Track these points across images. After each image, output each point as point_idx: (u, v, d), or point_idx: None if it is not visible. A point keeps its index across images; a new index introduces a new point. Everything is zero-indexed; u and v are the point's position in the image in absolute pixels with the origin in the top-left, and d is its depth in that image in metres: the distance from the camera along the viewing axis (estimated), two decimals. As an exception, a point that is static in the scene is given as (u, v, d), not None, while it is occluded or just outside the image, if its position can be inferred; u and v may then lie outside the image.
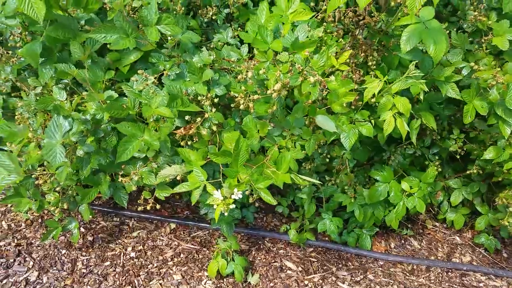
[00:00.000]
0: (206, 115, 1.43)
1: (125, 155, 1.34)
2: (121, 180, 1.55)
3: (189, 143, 1.48)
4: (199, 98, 1.44)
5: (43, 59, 1.64)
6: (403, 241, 2.63)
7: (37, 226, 2.29)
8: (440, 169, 2.20)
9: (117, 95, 1.48)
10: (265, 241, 2.41)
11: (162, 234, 2.36)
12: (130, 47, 1.40)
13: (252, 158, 1.56)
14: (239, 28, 1.95)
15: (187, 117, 1.41)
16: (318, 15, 1.87)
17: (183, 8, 1.76)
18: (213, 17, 1.89)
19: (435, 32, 1.47)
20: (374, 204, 2.20)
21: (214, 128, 1.45)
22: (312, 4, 1.87)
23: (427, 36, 1.46)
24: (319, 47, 1.55)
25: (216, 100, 1.44)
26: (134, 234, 2.32)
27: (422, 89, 1.52)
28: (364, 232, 2.42)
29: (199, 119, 1.41)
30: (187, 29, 1.81)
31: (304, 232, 2.32)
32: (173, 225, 2.42)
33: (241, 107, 1.34)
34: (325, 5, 1.90)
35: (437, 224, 2.79)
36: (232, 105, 1.55)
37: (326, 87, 1.08)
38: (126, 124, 1.36)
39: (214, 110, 1.44)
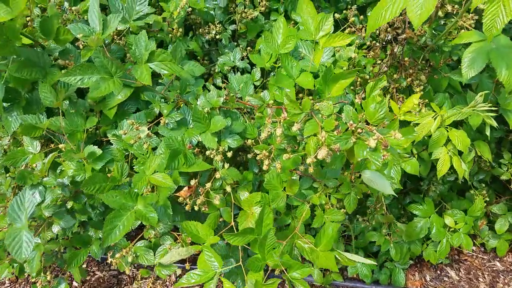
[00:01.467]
0: (217, 175, 1.10)
1: (113, 235, 1.01)
2: (110, 261, 1.22)
3: (196, 206, 1.15)
4: (207, 152, 1.11)
5: (7, 104, 1.31)
6: (438, 272, 2.33)
7: (22, 283, 1.98)
8: (487, 198, 1.89)
9: (101, 151, 1.15)
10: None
11: (167, 283, 2.05)
12: (115, 91, 1.07)
13: (276, 219, 1.24)
14: (248, 48, 1.61)
15: (192, 182, 1.09)
16: (344, 29, 1.53)
17: (180, 30, 1.41)
18: (217, 36, 1.55)
19: (506, 52, 1.14)
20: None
21: (228, 188, 1.13)
22: (337, 16, 1.53)
23: (497, 58, 1.13)
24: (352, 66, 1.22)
25: (229, 154, 1.12)
26: (135, 286, 2.01)
27: (489, 124, 1.19)
28: (397, 266, 2.11)
29: (208, 184, 1.08)
30: (186, 53, 1.47)
31: (331, 273, 2.01)
32: (179, 271, 2.11)
33: (264, 167, 1.01)
34: (351, 15, 1.56)
35: (473, 248, 2.49)
36: (247, 150, 1.23)
37: (388, 146, 0.77)
38: (114, 193, 1.04)
39: (227, 166, 1.12)
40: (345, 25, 1.51)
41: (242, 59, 1.58)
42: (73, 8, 1.33)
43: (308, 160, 0.81)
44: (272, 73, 1.52)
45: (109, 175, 1.10)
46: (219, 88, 1.49)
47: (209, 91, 1.26)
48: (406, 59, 1.34)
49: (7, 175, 1.37)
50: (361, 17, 1.59)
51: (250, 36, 1.64)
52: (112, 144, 1.28)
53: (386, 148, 0.80)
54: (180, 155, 1.06)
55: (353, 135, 0.80)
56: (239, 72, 1.58)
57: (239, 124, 1.13)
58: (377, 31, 1.46)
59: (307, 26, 1.21)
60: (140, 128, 1.05)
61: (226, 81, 1.63)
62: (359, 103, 0.91)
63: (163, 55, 1.02)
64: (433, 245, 1.95)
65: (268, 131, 0.95)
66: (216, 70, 1.62)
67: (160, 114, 1.23)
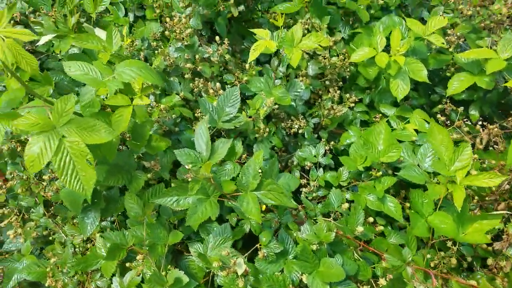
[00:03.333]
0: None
1: None
2: None
3: None
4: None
5: (85, 204, 1.23)
6: None
7: None
8: None
9: (187, 279, 1.02)
10: None
11: None
12: (212, 215, 0.96)
13: None
14: (331, 143, 1.49)
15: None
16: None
17: (267, 129, 1.32)
18: (300, 131, 1.44)
19: None
20: None
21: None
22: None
23: None
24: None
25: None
26: None
27: None
28: None
29: None
30: (269, 152, 1.37)
31: None
32: None
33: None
34: (449, 110, 1.42)
35: None
36: None
37: None
38: None
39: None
40: (449, 128, 1.37)
41: (325, 154, 1.47)
42: (161, 106, 1.27)
43: None
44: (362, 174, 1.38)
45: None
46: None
47: (302, 204, 1.13)
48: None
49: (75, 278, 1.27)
50: (460, 108, 1.45)
51: (331, 127, 1.53)
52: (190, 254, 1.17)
53: None
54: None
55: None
56: (321, 168, 1.46)
57: (351, 264, 0.98)
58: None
59: (440, 155, 1.06)
60: (236, 261, 0.93)
61: (304, 174, 1.51)
62: None
63: (272, 185, 0.91)
64: None
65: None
66: (295, 163, 1.50)
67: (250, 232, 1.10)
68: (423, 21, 1.57)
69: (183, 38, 1.34)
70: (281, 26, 1.28)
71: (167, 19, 1.34)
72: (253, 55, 1.22)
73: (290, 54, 1.26)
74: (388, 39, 1.41)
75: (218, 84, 1.35)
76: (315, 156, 1.47)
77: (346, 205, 1.15)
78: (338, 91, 1.43)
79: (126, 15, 1.75)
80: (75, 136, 0.87)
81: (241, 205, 0.91)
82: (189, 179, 0.90)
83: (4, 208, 1.35)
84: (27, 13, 1.83)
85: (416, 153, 1.37)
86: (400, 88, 1.35)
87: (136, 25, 1.57)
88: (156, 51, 1.48)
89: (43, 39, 1.40)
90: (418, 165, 1.34)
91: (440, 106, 1.52)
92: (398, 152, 1.22)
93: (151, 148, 1.11)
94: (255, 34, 1.28)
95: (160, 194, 0.98)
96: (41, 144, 0.84)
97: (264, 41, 1.22)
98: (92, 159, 0.88)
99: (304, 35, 1.28)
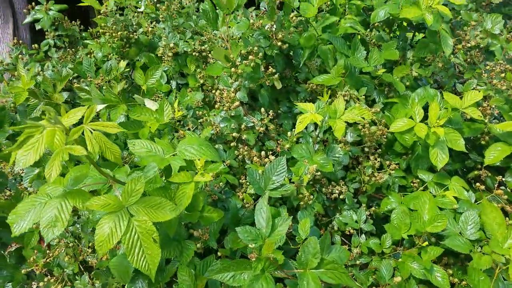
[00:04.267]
0: None
1: None
2: None
3: None
4: None
5: (133, 274, 1.24)
6: None
7: None
8: None
9: None
10: None
11: None
12: (269, 292, 0.96)
13: None
14: (372, 208, 1.50)
15: None
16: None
17: (311, 197, 1.35)
18: (341, 196, 1.47)
19: None
20: None
21: None
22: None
23: None
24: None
25: None
26: None
27: None
28: None
29: None
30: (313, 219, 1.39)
31: None
32: None
33: None
34: (484, 175, 1.44)
35: None
36: None
37: None
38: None
39: None
40: (488, 196, 1.38)
41: (366, 219, 1.47)
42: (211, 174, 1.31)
43: None
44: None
45: None
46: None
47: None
48: None
49: None
50: (499, 177, 1.46)
51: (370, 192, 1.55)
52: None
53: None
54: None
55: None
56: (363, 234, 1.46)
57: None
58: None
59: (493, 233, 1.08)
60: None
61: (345, 239, 1.51)
62: None
63: (333, 264, 0.92)
64: None
65: None
66: (335, 228, 1.51)
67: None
68: (454, 88, 1.65)
69: (229, 109, 1.41)
70: (327, 102, 1.35)
71: (216, 92, 1.42)
72: (299, 128, 1.28)
73: (334, 126, 1.31)
74: (424, 109, 1.47)
75: (263, 153, 1.40)
76: (356, 221, 1.48)
77: (399, 278, 1.14)
78: (379, 159, 1.47)
79: (168, 82, 1.86)
80: (143, 215, 0.90)
81: (301, 284, 0.92)
82: (252, 259, 0.91)
83: (49, 276, 1.35)
84: (71, 78, 1.95)
85: (457, 220, 1.38)
86: (439, 158, 1.38)
87: (180, 93, 1.66)
88: (201, 119, 1.56)
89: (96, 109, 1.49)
90: (460, 233, 1.35)
91: (476, 172, 1.55)
92: (444, 223, 1.23)
93: (205, 219, 1.13)
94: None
95: (211, 266, 0.99)
96: (111, 224, 0.87)
97: (310, 114, 1.28)
98: (158, 237, 0.91)
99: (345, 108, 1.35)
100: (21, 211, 0.93)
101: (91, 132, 0.78)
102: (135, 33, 1.86)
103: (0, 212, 1.43)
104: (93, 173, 1.10)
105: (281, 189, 1.29)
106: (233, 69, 1.41)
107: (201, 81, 1.69)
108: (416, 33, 2.04)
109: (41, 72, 1.74)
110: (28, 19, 1.95)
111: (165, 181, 1.06)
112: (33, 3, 2.00)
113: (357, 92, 1.54)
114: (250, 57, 1.41)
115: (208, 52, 1.72)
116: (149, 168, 1.03)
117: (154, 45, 1.96)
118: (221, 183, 1.34)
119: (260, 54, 1.43)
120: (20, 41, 2.04)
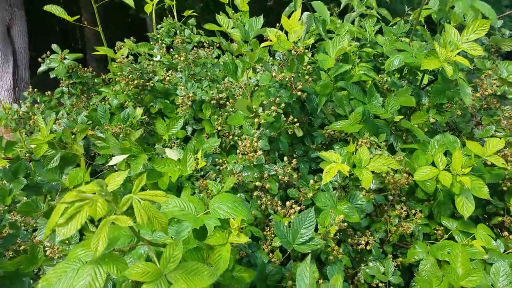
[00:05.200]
0: None
1: None
2: None
3: None
4: None
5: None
6: None
7: None
8: None
9: None
10: None
11: None
12: None
13: None
14: (399, 258, 1.47)
15: None
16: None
17: (340, 250, 1.32)
18: (367, 247, 1.43)
19: None
20: None
21: None
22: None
23: None
24: None
25: None
26: None
27: None
28: None
29: None
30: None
31: None
32: None
33: None
34: (508, 222, 1.42)
35: None
36: None
37: None
38: None
39: None
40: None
41: (394, 271, 1.43)
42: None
43: None
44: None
45: None
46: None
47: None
48: None
49: None
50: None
51: (395, 241, 1.52)
52: None
53: None
54: None
55: None
56: (391, 287, 1.41)
57: None
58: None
59: None
60: None
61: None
62: None
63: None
64: None
65: None
66: (361, 280, 1.46)
67: None
68: (471, 133, 1.67)
69: (252, 157, 1.40)
70: (353, 152, 1.35)
71: (239, 142, 1.41)
72: (326, 179, 1.27)
73: (361, 176, 1.31)
74: (444, 155, 1.48)
75: (288, 203, 1.38)
76: (384, 273, 1.43)
77: None
78: (405, 207, 1.46)
79: (183, 127, 1.85)
80: (181, 282, 0.86)
81: None
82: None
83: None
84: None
85: (488, 271, 1.35)
86: (465, 206, 1.37)
87: (198, 140, 1.65)
88: (220, 167, 1.54)
89: (115, 160, 1.46)
90: (492, 285, 1.31)
91: (499, 218, 1.54)
92: (479, 277, 1.19)
93: (236, 280, 1.09)
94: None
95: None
96: (151, 293, 0.83)
97: (336, 165, 1.27)
98: (195, 304, 0.86)
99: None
100: (53, 278, 0.88)
101: (140, 202, 0.76)
102: (150, 81, 1.88)
103: (12, 268, 1.36)
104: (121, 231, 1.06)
105: (310, 243, 1.26)
106: (256, 120, 1.42)
107: (219, 128, 1.69)
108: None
109: (57, 121, 1.72)
110: (43, 67, 1.97)
111: (197, 242, 1.02)
112: (48, 52, 2.02)
113: (376, 138, 1.55)
114: (273, 107, 1.42)
115: (225, 100, 1.74)
116: (182, 228, 1.00)
117: (168, 92, 1.97)
118: (248, 237, 1.30)
119: (282, 104, 1.45)
120: (31, 87, 2.04)
